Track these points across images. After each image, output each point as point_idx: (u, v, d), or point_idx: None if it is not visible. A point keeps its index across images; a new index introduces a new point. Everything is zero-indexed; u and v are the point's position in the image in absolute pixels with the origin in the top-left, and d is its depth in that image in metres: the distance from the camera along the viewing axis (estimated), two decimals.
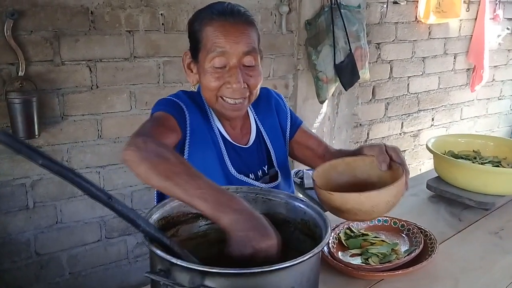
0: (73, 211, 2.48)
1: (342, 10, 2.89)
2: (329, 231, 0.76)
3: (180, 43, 2.49)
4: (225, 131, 1.34)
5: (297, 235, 0.87)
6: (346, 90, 3.02)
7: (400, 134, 3.80)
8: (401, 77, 3.61)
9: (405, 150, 3.84)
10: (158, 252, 0.67)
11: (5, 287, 2.39)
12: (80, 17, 2.26)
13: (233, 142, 1.34)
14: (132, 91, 2.48)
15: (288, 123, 1.44)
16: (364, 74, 3.06)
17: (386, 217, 1.36)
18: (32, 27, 2.16)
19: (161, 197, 1.34)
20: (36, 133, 2.19)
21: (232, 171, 1.29)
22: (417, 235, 1.27)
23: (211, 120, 1.33)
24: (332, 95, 3.19)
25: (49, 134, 2.30)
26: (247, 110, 1.40)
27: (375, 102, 3.54)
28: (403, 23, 3.46)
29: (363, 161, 1.16)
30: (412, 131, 3.87)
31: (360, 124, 3.52)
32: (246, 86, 1.21)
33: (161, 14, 2.41)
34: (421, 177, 1.82)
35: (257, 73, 1.24)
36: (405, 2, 3.35)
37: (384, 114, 3.63)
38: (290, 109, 1.49)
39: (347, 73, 2.93)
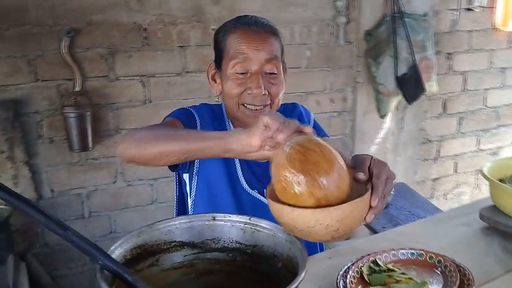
0: (127, 221, 2.54)
1: (405, 19, 2.72)
2: (303, 273, 0.67)
3: None
4: None
5: (284, 273, 0.78)
6: (409, 104, 2.82)
7: (476, 151, 3.48)
8: (476, 90, 3.32)
9: None
10: None
11: None
12: (134, 34, 2.33)
13: None
14: (184, 106, 2.50)
15: None
16: (431, 87, 2.84)
17: (422, 250, 1.22)
18: (88, 44, 2.26)
19: (181, 207, 1.31)
20: (90, 146, 2.28)
21: (245, 186, 1.26)
22: (454, 273, 1.11)
23: None
24: (397, 109, 3.00)
25: (103, 147, 2.38)
26: None
27: (446, 116, 3.28)
28: (478, 31, 3.18)
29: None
30: (490, 149, 3.53)
31: (429, 140, 3.27)
32: (267, 93, 1.20)
33: (212, 29, 2.42)
34: (476, 205, 1.62)
35: (278, 81, 1.23)
36: (480, 8, 3.07)
37: (457, 130, 3.35)
38: (315, 124, 1.42)
39: (410, 86, 2.74)
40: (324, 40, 2.73)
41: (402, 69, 2.71)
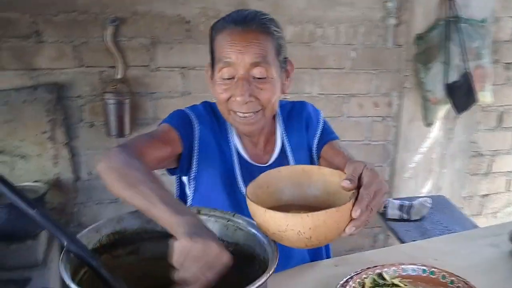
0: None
1: (461, 24, 2.56)
2: (267, 275, 0.63)
3: None
4: (243, 147, 1.25)
5: (260, 275, 0.75)
6: (458, 113, 2.67)
7: None
8: None
9: None
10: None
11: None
12: (177, 26, 2.36)
13: (249, 161, 1.24)
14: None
15: (315, 140, 1.28)
16: (485, 97, 2.67)
17: (435, 268, 1.13)
18: (132, 33, 2.31)
19: (182, 193, 1.29)
20: (127, 132, 2.34)
21: (243, 190, 1.19)
22: None
23: (229, 136, 1.24)
24: (446, 118, 2.84)
25: None
26: (274, 125, 1.29)
27: (501, 130, 3.06)
28: None
29: (322, 174, 0.91)
30: None
31: (480, 154, 3.07)
32: (254, 99, 1.11)
33: None
34: (508, 226, 1.49)
35: (269, 86, 1.12)
36: None
37: None
38: (324, 125, 1.32)
39: (461, 95, 2.59)
40: (371, 42, 2.64)
41: (453, 77, 2.57)
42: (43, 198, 2.16)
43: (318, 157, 1.28)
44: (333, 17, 2.55)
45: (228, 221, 0.82)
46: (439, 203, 2.39)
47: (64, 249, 0.68)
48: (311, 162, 1.29)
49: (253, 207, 0.75)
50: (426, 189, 2.93)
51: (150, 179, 0.85)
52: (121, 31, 2.29)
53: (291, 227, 0.71)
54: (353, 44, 2.62)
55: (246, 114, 1.13)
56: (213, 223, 0.82)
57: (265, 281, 0.62)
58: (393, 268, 1.15)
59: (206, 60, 2.38)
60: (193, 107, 1.26)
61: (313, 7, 2.50)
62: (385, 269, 1.14)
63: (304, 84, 2.61)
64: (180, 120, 1.20)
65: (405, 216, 2.17)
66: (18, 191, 0.66)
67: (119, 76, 2.31)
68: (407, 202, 2.21)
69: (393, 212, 2.19)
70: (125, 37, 2.31)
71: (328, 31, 2.57)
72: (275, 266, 0.66)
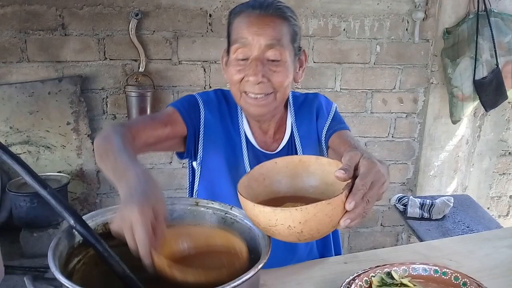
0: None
1: (492, 18, 2.47)
2: (255, 269, 0.62)
3: None
4: (252, 134, 1.25)
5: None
6: (486, 111, 2.58)
7: None
8: None
9: None
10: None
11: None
12: (199, 20, 2.36)
13: (257, 147, 1.24)
14: None
15: (324, 130, 1.27)
16: None
17: (447, 268, 1.10)
18: (154, 27, 2.33)
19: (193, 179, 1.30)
20: None
21: None
22: None
23: (239, 122, 1.25)
24: (474, 115, 2.76)
25: None
26: (285, 114, 1.28)
27: None
28: None
29: (320, 164, 0.88)
30: None
31: (509, 153, 2.97)
32: (266, 81, 1.12)
33: None
34: None
35: (282, 69, 1.13)
36: None
37: None
38: (335, 115, 1.30)
39: (490, 91, 2.50)
40: (397, 36, 2.58)
41: (482, 72, 2.48)
42: (66, 188, 2.21)
43: (327, 147, 1.26)
44: (358, 10, 2.50)
45: (226, 213, 0.81)
46: (463, 202, 2.33)
47: (68, 226, 0.69)
48: (320, 152, 1.27)
49: (243, 202, 0.74)
50: (451, 188, 2.85)
51: (121, 153, 0.87)
52: (144, 24, 2.31)
53: (280, 222, 0.69)
54: (378, 38, 2.57)
55: (257, 95, 1.13)
56: (211, 215, 0.82)
57: (253, 275, 0.61)
58: (403, 267, 1.13)
59: None
60: (203, 93, 1.28)
61: (337, 0, 2.46)
62: (395, 268, 1.11)
63: (327, 79, 2.58)
64: (186, 103, 1.22)
65: (426, 215, 2.12)
66: (32, 172, 0.68)
67: (141, 69, 2.33)
68: (428, 201, 2.16)
69: (413, 211, 2.14)
70: (148, 30, 2.33)
71: (352, 25, 2.52)
72: (265, 261, 0.65)
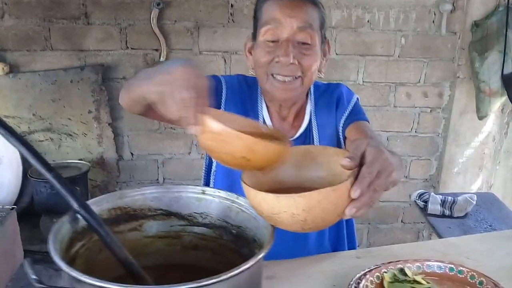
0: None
1: None
2: (254, 260, 0.61)
3: None
4: (271, 120, 1.25)
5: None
6: None
7: None
8: None
9: None
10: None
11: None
12: (220, 10, 2.35)
13: None
14: None
15: (342, 119, 1.24)
16: None
17: (463, 267, 1.06)
18: (176, 17, 2.33)
19: (208, 178, 1.30)
20: None
21: None
22: None
23: (258, 108, 1.25)
24: (502, 111, 2.67)
25: None
26: (306, 102, 1.26)
27: None
28: None
29: (327, 154, 0.85)
30: None
31: None
32: (296, 63, 1.11)
33: None
34: None
35: (312, 52, 1.13)
36: None
37: None
38: (355, 105, 1.27)
39: None
40: (423, 28, 2.51)
41: (511, 67, 2.40)
42: (86, 175, 2.24)
43: (344, 138, 1.24)
44: (383, 1, 2.44)
45: (232, 202, 0.80)
46: (487, 200, 2.26)
47: (72, 211, 0.69)
48: (337, 141, 1.25)
49: (246, 189, 0.72)
50: (475, 186, 2.77)
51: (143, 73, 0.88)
52: (165, 14, 2.31)
53: (284, 209, 0.67)
54: (404, 30, 2.50)
55: (286, 78, 1.13)
56: (217, 204, 0.81)
57: (253, 265, 0.59)
58: (417, 264, 1.10)
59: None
60: (226, 76, 1.30)
61: None
62: (408, 265, 1.08)
63: (350, 71, 2.53)
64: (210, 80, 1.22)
65: (447, 212, 2.06)
66: (38, 155, 0.68)
67: (162, 59, 2.34)
68: (450, 198, 2.10)
69: (434, 207, 2.08)
70: (169, 20, 2.33)
71: (377, 16, 2.46)
72: (266, 251, 0.63)
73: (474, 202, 2.08)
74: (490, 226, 1.99)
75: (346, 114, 1.24)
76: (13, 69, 2.25)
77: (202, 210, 0.82)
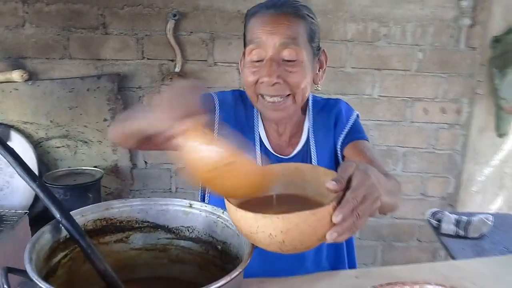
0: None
1: None
2: (231, 276, 0.60)
3: (334, 52, 2.37)
4: (267, 137, 1.22)
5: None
6: None
7: None
8: None
9: None
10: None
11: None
12: (236, 22, 2.36)
13: (271, 151, 1.21)
14: None
15: (341, 138, 1.21)
16: None
17: (441, 286, 1.02)
18: (192, 28, 2.35)
19: (204, 194, 1.29)
20: None
21: None
22: None
23: (254, 124, 1.22)
24: None
25: None
26: (303, 119, 1.23)
27: None
28: None
29: (316, 173, 0.84)
30: None
31: None
32: (282, 81, 1.07)
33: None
34: None
35: (299, 69, 1.08)
36: None
37: None
38: (354, 123, 1.23)
39: None
40: (441, 43, 2.47)
41: None
42: (99, 182, 2.27)
43: (343, 157, 1.21)
44: (399, 15, 2.41)
45: (218, 218, 0.79)
46: (505, 221, 2.18)
47: (55, 221, 0.69)
48: (335, 160, 1.22)
49: (227, 205, 0.71)
50: (495, 205, 2.69)
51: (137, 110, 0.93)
52: (181, 25, 2.34)
53: (261, 229, 0.66)
54: (421, 44, 2.47)
55: (274, 98, 1.09)
56: (204, 218, 0.80)
57: (227, 283, 0.58)
58: (416, 286, 1.06)
59: None
60: (220, 92, 1.27)
61: (378, 4, 2.38)
62: (406, 287, 1.05)
63: (365, 85, 2.51)
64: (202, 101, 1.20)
65: (461, 233, 2.00)
66: (23, 164, 0.69)
67: (177, 70, 2.36)
68: (464, 218, 2.03)
69: (448, 227, 2.02)
70: (185, 31, 2.35)
71: (393, 30, 2.44)
72: (242, 269, 0.62)
73: (490, 223, 2.01)
74: (506, 248, 1.92)
75: (345, 132, 1.21)
76: (32, 77, 2.31)
77: (189, 224, 0.81)
